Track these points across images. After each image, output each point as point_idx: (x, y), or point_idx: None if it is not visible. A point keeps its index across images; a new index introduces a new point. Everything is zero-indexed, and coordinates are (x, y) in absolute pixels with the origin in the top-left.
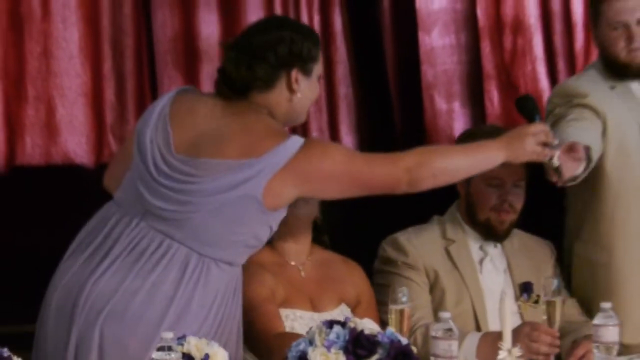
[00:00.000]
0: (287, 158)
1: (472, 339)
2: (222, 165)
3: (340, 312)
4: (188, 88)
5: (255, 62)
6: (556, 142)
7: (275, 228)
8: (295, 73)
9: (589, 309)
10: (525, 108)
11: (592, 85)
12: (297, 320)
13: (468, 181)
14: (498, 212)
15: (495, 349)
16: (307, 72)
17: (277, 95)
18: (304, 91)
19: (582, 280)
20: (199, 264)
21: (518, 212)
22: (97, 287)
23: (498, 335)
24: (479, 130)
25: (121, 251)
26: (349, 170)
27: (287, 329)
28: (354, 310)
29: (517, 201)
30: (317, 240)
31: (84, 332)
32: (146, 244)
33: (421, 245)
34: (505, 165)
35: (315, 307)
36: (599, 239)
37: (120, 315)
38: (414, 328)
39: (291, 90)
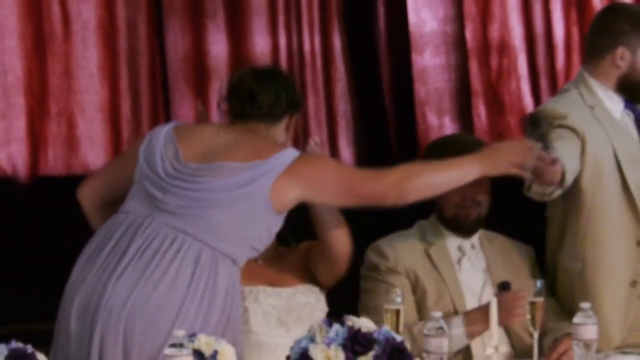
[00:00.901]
0: (290, 161)
1: (457, 322)
2: (232, 166)
3: (306, 289)
4: (182, 123)
5: (273, 103)
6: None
7: (273, 235)
8: (293, 118)
9: (571, 316)
10: (531, 125)
11: (571, 106)
12: (260, 293)
13: None
14: (463, 208)
15: (483, 320)
16: (293, 117)
17: (276, 130)
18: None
19: (563, 288)
20: (210, 258)
21: (484, 205)
22: (117, 287)
23: (478, 309)
24: (442, 140)
25: (136, 250)
26: (343, 177)
27: (251, 302)
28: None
29: (480, 194)
30: (282, 243)
31: (108, 330)
32: (160, 240)
33: (401, 248)
34: None
35: (271, 284)
36: (574, 249)
37: (142, 310)
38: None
39: (288, 130)
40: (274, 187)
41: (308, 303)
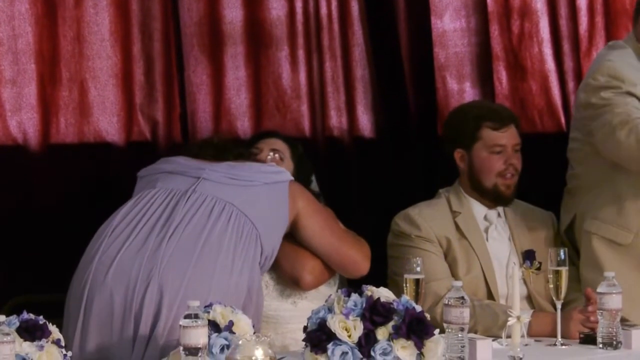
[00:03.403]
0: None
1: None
2: (251, 164)
3: None
4: None
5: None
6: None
7: (274, 255)
8: None
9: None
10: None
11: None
12: None
13: (469, 154)
14: (504, 177)
15: (546, 326)
16: None
17: None
18: None
19: (603, 258)
20: (251, 235)
21: (519, 175)
22: (170, 264)
23: (546, 315)
24: (463, 108)
25: (182, 217)
26: (328, 215)
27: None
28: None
29: (519, 164)
30: None
31: (161, 309)
32: (209, 207)
33: (431, 217)
34: (505, 131)
35: None
36: (626, 220)
37: (195, 293)
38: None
39: None
40: (290, 190)
41: None
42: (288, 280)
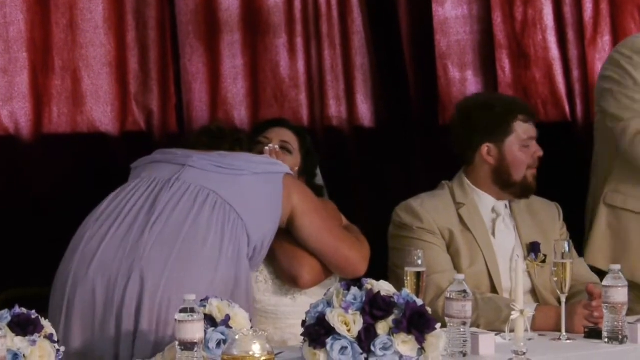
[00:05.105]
0: (287, 169)
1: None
2: (243, 154)
3: None
4: None
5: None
6: None
7: (266, 248)
8: None
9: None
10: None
11: None
12: (264, 260)
13: (499, 147)
14: (532, 169)
15: (550, 320)
16: None
17: None
18: None
19: (605, 227)
20: (237, 226)
21: None
22: (151, 256)
23: (550, 309)
24: (474, 100)
25: (164, 207)
26: (326, 214)
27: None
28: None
29: (540, 152)
30: None
31: (143, 301)
32: (192, 196)
33: (434, 209)
34: (533, 124)
35: None
36: (633, 189)
37: (177, 286)
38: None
39: None
40: (284, 184)
41: None
42: (286, 279)
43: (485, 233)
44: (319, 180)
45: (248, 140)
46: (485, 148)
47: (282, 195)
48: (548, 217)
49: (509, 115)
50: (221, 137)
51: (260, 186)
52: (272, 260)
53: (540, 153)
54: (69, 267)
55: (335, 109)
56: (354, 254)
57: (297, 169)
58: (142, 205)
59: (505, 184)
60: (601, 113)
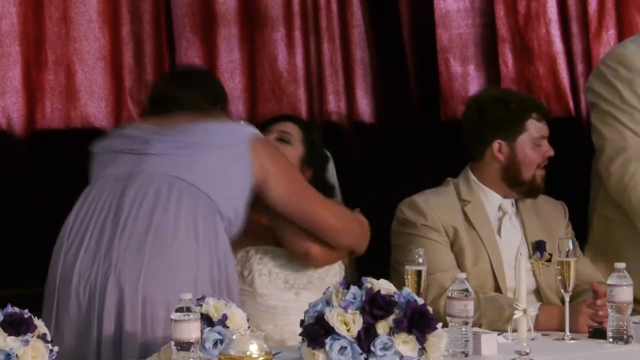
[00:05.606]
0: (257, 132)
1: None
2: (209, 124)
3: None
4: None
5: (197, 95)
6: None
7: (244, 211)
8: (221, 112)
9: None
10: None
11: None
12: (268, 252)
13: (511, 145)
14: (541, 168)
15: (554, 320)
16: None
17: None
18: None
19: (599, 237)
20: (208, 208)
21: None
22: (125, 257)
23: (554, 308)
24: (487, 95)
25: (132, 203)
26: (299, 177)
27: (256, 263)
28: None
29: (550, 150)
30: None
31: (124, 303)
32: (156, 188)
33: (438, 205)
34: (545, 121)
35: (279, 244)
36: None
37: (157, 278)
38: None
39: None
40: (250, 147)
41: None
42: (296, 255)
43: (491, 231)
44: (331, 178)
45: (200, 89)
46: (496, 144)
47: (250, 163)
48: (554, 216)
49: (523, 113)
50: (164, 102)
51: (226, 159)
52: (283, 240)
53: (551, 152)
54: (55, 278)
55: (335, 104)
56: (337, 220)
57: (298, 159)
58: (107, 211)
59: (513, 182)
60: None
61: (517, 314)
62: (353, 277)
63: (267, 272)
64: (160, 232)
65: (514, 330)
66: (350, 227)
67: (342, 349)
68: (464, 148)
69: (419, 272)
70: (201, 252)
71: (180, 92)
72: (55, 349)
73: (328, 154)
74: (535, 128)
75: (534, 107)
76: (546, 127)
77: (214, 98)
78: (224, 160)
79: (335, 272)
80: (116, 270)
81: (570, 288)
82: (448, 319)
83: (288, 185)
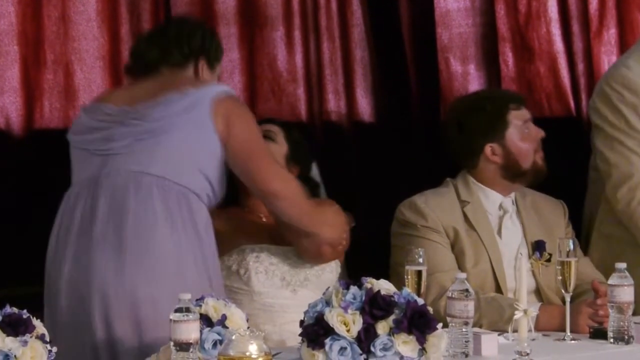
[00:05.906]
0: (223, 89)
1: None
2: (168, 97)
3: None
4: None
5: (170, 48)
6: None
7: (220, 180)
8: (202, 64)
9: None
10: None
11: None
12: (264, 250)
13: (502, 143)
14: (538, 151)
15: (555, 320)
16: (211, 67)
17: (186, 73)
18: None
19: (601, 253)
20: (178, 194)
21: None
22: (107, 267)
23: (555, 308)
24: (469, 98)
25: (106, 212)
26: (261, 146)
27: (252, 260)
28: None
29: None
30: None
31: (110, 307)
32: (123, 191)
33: (438, 206)
34: (523, 106)
35: (275, 242)
36: (613, 215)
37: (141, 282)
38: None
39: (197, 75)
40: (213, 111)
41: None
42: (307, 245)
43: (491, 232)
44: (315, 175)
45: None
46: (488, 149)
47: (213, 127)
48: (553, 215)
49: (501, 110)
50: (137, 64)
51: (189, 136)
52: (288, 230)
53: (542, 133)
54: (49, 283)
55: (335, 104)
56: (285, 189)
57: (283, 156)
58: (83, 222)
59: (515, 176)
60: (593, 146)
61: (518, 315)
62: (344, 276)
63: (263, 270)
64: (135, 234)
65: (515, 331)
66: (302, 202)
67: (342, 349)
68: (455, 163)
69: (419, 273)
70: (183, 243)
71: (151, 52)
72: (54, 349)
73: (310, 153)
74: (517, 118)
75: (508, 100)
76: (526, 111)
77: (190, 51)
78: (187, 138)
79: (331, 269)
80: (99, 277)
81: (571, 288)
82: (448, 319)
83: (245, 138)
